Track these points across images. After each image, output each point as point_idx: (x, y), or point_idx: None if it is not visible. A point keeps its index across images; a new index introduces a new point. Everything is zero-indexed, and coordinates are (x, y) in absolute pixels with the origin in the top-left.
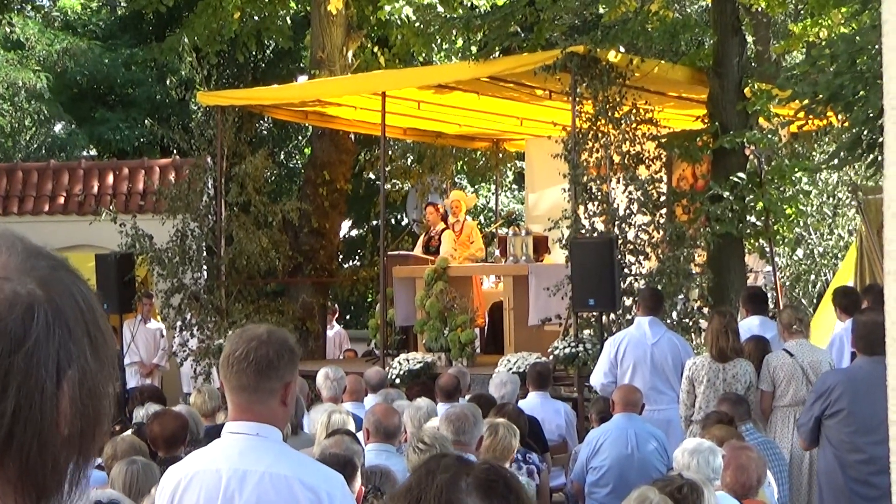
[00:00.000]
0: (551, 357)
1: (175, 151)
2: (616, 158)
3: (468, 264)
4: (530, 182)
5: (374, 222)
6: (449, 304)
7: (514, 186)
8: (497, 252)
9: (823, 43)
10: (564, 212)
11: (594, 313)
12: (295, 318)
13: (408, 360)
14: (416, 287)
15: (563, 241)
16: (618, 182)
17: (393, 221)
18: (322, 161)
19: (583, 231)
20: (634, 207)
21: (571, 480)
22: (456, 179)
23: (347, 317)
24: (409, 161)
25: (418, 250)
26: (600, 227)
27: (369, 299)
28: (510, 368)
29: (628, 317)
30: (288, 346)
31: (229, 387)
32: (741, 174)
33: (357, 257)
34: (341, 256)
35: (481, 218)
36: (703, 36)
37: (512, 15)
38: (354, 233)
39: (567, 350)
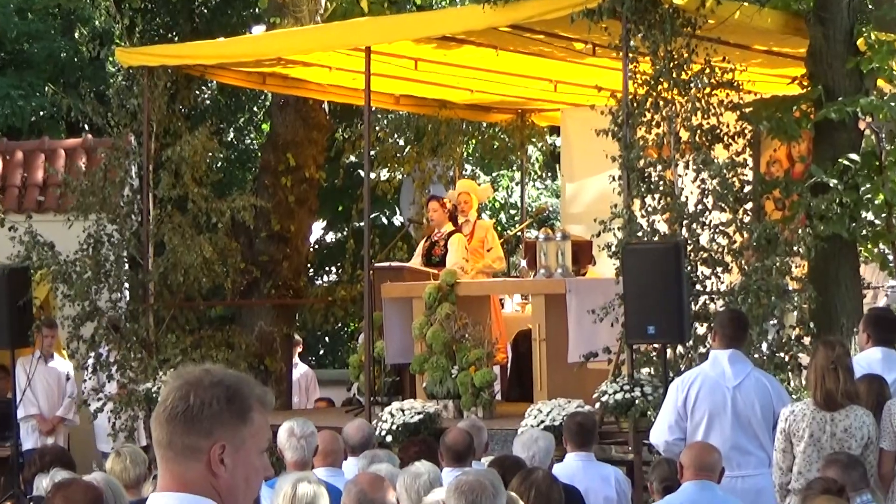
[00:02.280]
0: (598, 406)
1: (86, 129)
2: (684, 135)
3: (484, 279)
4: (567, 168)
5: (357, 224)
6: (458, 334)
7: (546, 174)
8: (523, 263)
9: None
10: (614, 208)
11: (655, 345)
12: (249, 355)
13: (402, 411)
14: (413, 311)
15: (613, 248)
16: (686, 167)
17: (382, 222)
18: (285, 141)
19: (639, 234)
20: (709, 202)
21: None
22: (467, 165)
23: (320, 352)
24: (404, 141)
25: (416, 261)
26: (663, 228)
27: (350, 328)
28: (542, 421)
29: (702, 350)
30: (225, 390)
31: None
32: (853, 156)
33: (334, 271)
34: (312, 270)
35: (501, 217)
36: None
37: None
38: (330, 238)
39: (619, 396)
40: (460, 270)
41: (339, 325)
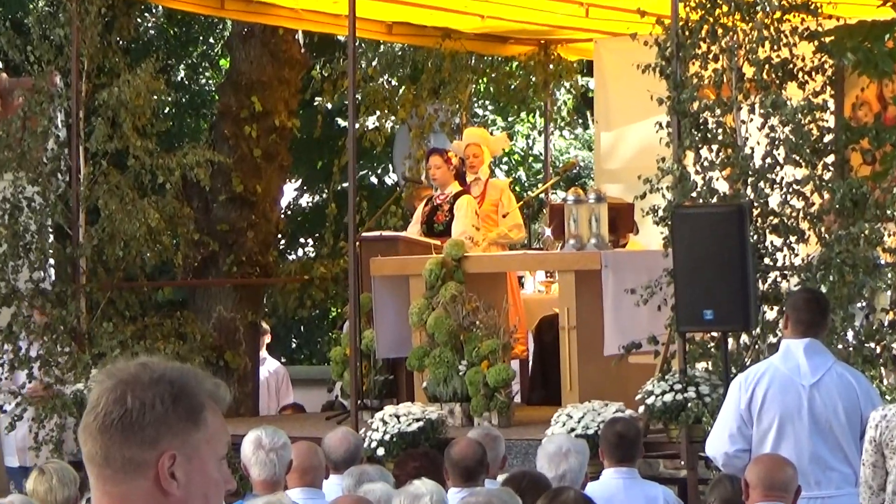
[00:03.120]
0: (642, 410)
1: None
2: (748, 71)
3: (498, 252)
4: (603, 113)
5: (340, 184)
6: (467, 321)
7: (576, 121)
8: (548, 232)
9: None
10: (661, 162)
11: (713, 334)
12: (205, 348)
13: (397, 417)
14: (410, 292)
15: (661, 213)
16: (751, 111)
17: (371, 182)
18: (249, 81)
19: (693, 195)
20: (780, 154)
21: None
22: (477, 110)
23: (294, 344)
24: (397, 80)
25: (414, 230)
26: (723, 187)
27: (331, 314)
28: (572, 429)
29: (772, 340)
30: (169, 387)
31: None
32: None
33: (311, 243)
34: (283, 242)
35: (520, 174)
36: None
37: None
38: (306, 202)
39: (668, 397)
40: (469, 241)
41: (318, 310)
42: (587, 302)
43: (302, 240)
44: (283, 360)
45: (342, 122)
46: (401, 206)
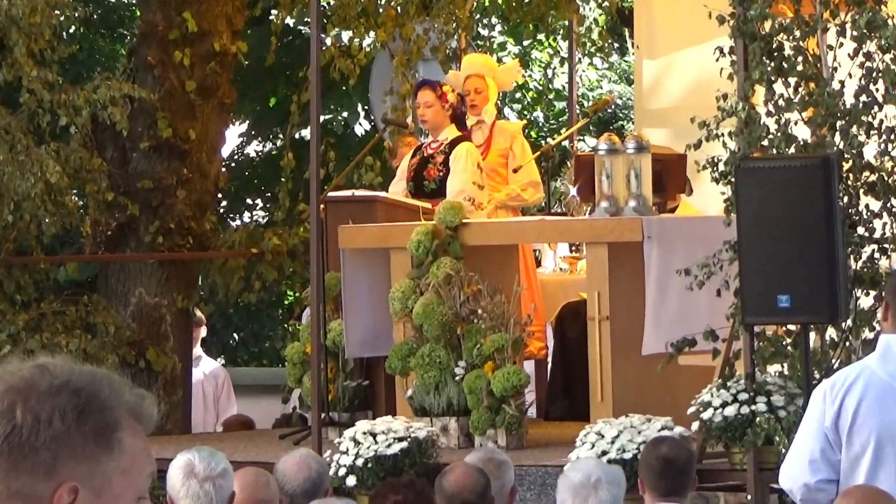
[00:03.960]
0: (696, 427)
1: None
2: None
3: (508, 219)
4: (645, 37)
5: (301, 130)
6: (466, 310)
7: (610, 46)
8: (573, 191)
9: None
10: (722, 100)
11: (789, 327)
12: (120, 343)
13: (374, 436)
14: (391, 271)
15: (722, 167)
16: (841, 34)
17: (340, 124)
18: None
19: (765, 143)
20: (878, 90)
21: None
22: (480, 30)
23: (237, 338)
24: None
25: (397, 188)
26: (803, 133)
27: (288, 299)
28: (603, 452)
29: (867, 335)
30: (73, 398)
31: None
32: None
33: (260, 205)
34: (225, 204)
35: (537, 115)
36: None
37: None
38: (255, 150)
39: (730, 411)
40: (469, 203)
41: (270, 294)
42: (624, 284)
43: (249, 201)
44: (223, 360)
45: (303, 46)
46: (380, 158)
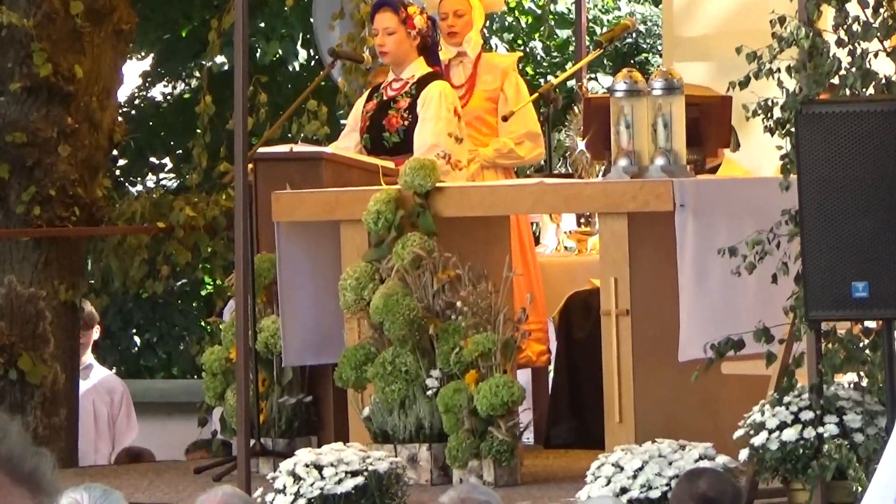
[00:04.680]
0: (744, 456)
1: None
2: None
3: (497, 182)
4: None
5: (221, 69)
6: (441, 302)
7: None
8: (581, 144)
9: None
10: (777, 26)
11: (868, 324)
12: None
13: (319, 469)
14: (341, 251)
15: (777, 113)
16: None
17: (272, 58)
18: None
19: (834, 82)
20: None
21: None
22: None
23: (137, 339)
24: None
25: (349, 141)
26: (885, 68)
27: (205, 290)
28: (623, 490)
29: None
30: None
31: None
32: None
33: (168, 165)
34: (123, 163)
35: (536, 47)
36: None
37: None
38: (161, 93)
39: (790, 434)
40: (444, 162)
41: (180, 281)
42: (649, 268)
43: (154, 160)
44: (121, 369)
45: None
46: (327, 103)
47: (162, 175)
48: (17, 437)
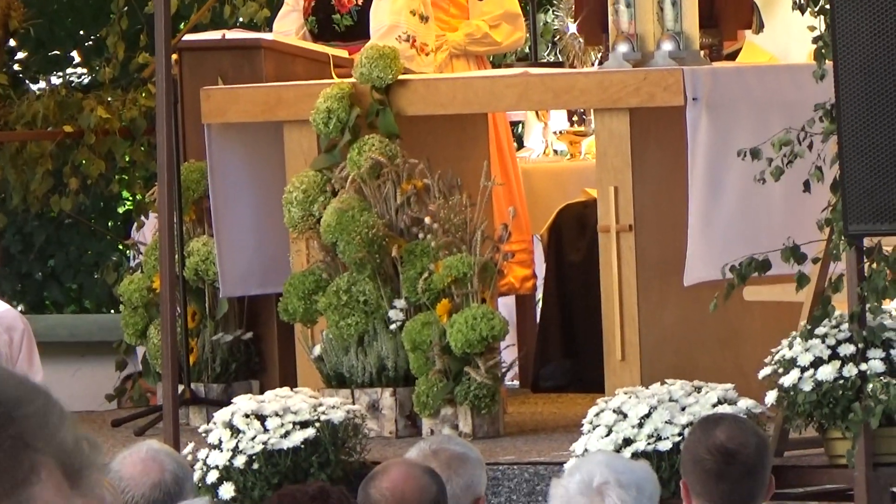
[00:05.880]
0: (770, 399)
1: None
2: None
3: (471, 73)
4: None
5: None
6: (406, 218)
7: None
8: (571, 27)
9: None
10: None
11: None
12: None
13: (260, 420)
14: (285, 158)
15: None
16: None
17: None
18: None
19: None
20: None
21: None
22: None
23: (42, 268)
24: None
25: (289, 25)
26: None
27: (122, 207)
28: (626, 440)
29: None
30: None
31: None
32: None
33: (77, 57)
34: (20, 59)
35: None
36: None
37: None
38: None
39: (827, 372)
40: (407, 46)
41: (93, 198)
42: (655, 175)
43: (58, 51)
44: (22, 304)
45: None
46: None
47: (69, 70)
48: (74, 432)
